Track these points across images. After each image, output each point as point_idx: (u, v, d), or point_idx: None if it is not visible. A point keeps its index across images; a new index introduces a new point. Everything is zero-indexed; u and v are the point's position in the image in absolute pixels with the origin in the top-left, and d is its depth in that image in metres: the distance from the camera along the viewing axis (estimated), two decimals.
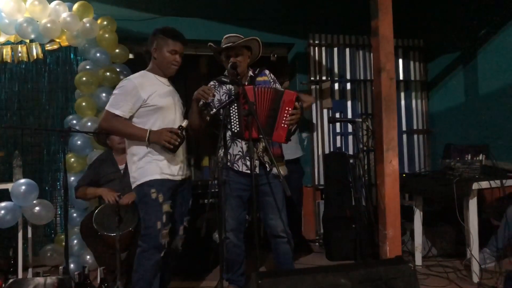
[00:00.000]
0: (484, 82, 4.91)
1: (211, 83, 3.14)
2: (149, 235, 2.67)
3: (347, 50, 5.58)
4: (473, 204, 3.49)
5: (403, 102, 5.77)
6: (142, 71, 2.84)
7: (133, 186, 2.76)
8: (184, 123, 2.73)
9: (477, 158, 3.71)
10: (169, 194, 2.74)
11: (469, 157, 3.80)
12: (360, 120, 3.83)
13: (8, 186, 3.73)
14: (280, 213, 3.00)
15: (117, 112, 2.65)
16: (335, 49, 5.54)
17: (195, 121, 2.92)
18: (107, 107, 2.69)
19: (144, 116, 2.72)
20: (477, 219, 3.51)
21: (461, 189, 3.43)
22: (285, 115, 2.89)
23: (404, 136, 5.73)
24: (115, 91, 2.72)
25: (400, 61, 5.75)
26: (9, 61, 4.37)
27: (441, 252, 4.27)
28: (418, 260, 3.99)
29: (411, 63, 5.83)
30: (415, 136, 5.80)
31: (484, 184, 3.44)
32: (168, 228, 2.72)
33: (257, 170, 2.91)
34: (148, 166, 2.69)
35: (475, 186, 3.42)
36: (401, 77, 5.73)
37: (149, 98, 2.69)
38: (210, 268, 3.99)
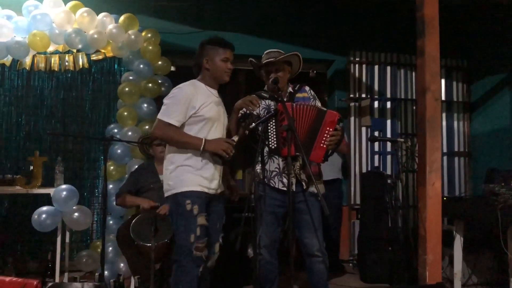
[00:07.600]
0: None
1: None
2: (182, 248, 2.60)
3: (388, 68, 5.52)
4: None
5: (444, 123, 5.62)
6: (193, 80, 2.81)
7: (167, 194, 2.71)
8: (236, 138, 2.71)
9: None
10: (204, 206, 2.66)
11: None
12: (402, 140, 3.72)
13: (50, 191, 3.84)
14: (316, 232, 2.94)
15: (170, 121, 2.62)
16: (376, 67, 5.49)
17: (233, 131, 2.91)
18: (159, 116, 2.67)
19: (190, 124, 2.69)
20: None
21: (506, 216, 3.29)
22: (325, 135, 2.85)
23: (445, 158, 5.57)
24: (167, 100, 2.69)
25: (443, 81, 5.61)
26: (56, 69, 4.53)
27: (481, 281, 4.10)
28: None
29: (454, 83, 5.71)
30: (456, 159, 5.65)
31: None
32: (204, 242, 2.63)
33: (293, 187, 2.85)
34: (185, 176, 2.65)
35: None
36: (443, 98, 5.58)
37: (200, 108, 2.67)
38: (242, 283, 3.95)
